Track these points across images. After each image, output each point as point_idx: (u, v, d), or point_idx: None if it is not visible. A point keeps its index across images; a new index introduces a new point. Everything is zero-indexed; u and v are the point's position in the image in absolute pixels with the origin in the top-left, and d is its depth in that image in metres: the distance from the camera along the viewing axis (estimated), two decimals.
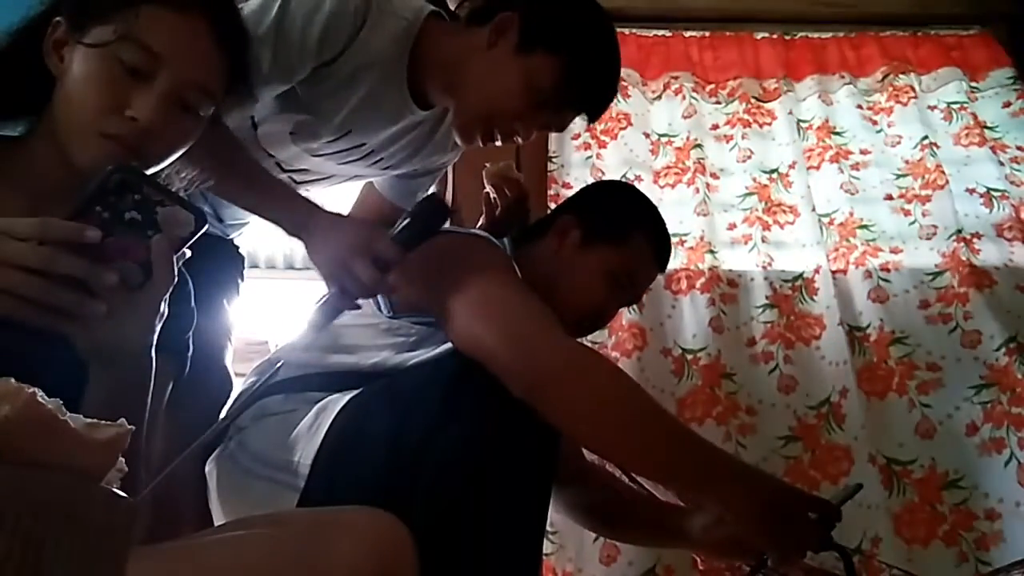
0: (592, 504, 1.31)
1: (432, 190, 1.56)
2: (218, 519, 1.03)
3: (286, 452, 0.96)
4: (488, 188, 1.42)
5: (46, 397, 0.44)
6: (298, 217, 1.04)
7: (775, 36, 2.19)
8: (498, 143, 1.21)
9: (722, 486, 0.96)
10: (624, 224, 1.25)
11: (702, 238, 1.83)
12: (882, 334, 1.68)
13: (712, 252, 1.81)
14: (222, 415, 1.08)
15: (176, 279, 0.71)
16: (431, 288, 1.05)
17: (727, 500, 0.96)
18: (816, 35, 2.20)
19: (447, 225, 1.06)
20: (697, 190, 1.90)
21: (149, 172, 0.79)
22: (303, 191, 1.34)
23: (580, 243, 1.22)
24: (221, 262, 1.17)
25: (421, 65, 1.18)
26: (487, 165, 1.45)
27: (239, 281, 1.32)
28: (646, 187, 1.92)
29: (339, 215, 1.08)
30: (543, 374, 0.91)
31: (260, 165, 1.12)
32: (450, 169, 1.71)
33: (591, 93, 1.20)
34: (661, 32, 2.20)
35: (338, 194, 1.46)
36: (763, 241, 1.84)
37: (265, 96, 1.10)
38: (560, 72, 1.13)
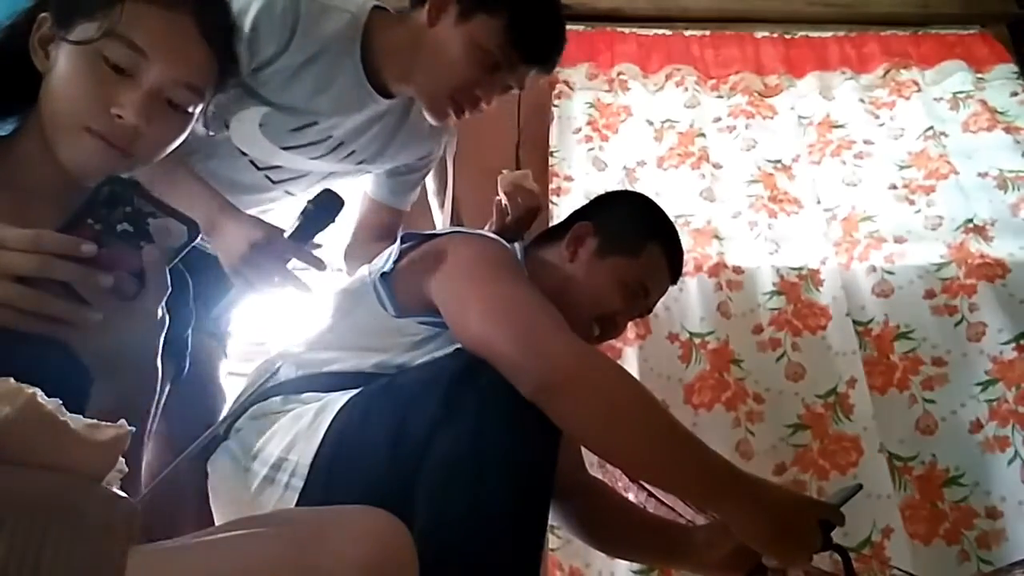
0: (591, 518, 1.30)
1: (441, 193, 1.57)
2: (218, 519, 1.03)
3: (285, 451, 0.96)
4: (501, 195, 1.42)
5: (46, 398, 0.44)
6: (208, 214, 1.09)
7: (775, 35, 2.19)
8: (467, 115, 1.27)
9: (729, 499, 0.95)
10: (640, 236, 1.25)
11: (708, 223, 1.82)
12: (886, 329, 1.68)
13: (718, 238, 1.80)
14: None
15: (170, 288, 0.71)
16: (440, 288, 1.05)
17: (734, 513, 0.96)
18: (816, 34, 2.20)
19: (340, 216, 1.12)
20: (703, 176, 1.90)
21: (137, 171, 0.79)
22: (281, 191, 1.36)
23: (596, 252, 1.22)
24: (210, 276, 1.17)
25: (374, 57, 1.24)
26: (503, 172, 1.45)
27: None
28: (650, 172, 1.92)
29: (246, 215, 1.13)
30: (555, 376, 0.91)
31: (182, 162, 1.14)
32: (450, 170, 1.71)
33: (538, 44, 1.24)
34: (661, 32, 2.20)
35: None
36: (769, 228, 1.83)
37: None
38: (503, 31, 1.18)
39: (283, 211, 1.39)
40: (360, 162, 1.39)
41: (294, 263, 1.08)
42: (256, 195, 1.35)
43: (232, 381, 1.33)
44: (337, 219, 1.11)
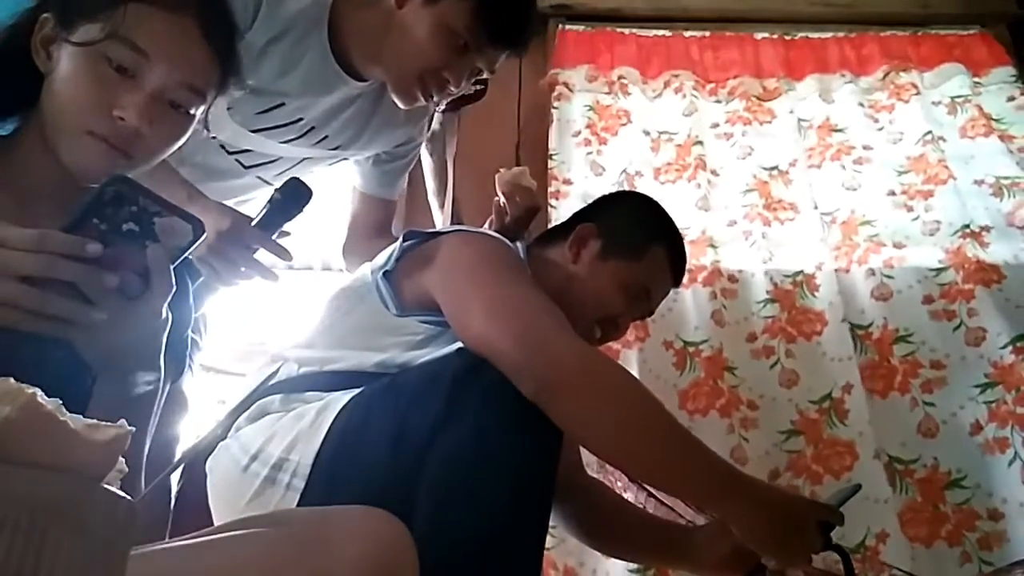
0: (589, 519, 1.30)
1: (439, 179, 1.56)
2: (217, 519, 1.02)
3: (286, 451, 0.95)
4: (499, 195, 1.42)
5: (46, 397, 0.44)
6: (176, 202, 1.06)
7: (775, 36, 2.19)
8: (436, 98, 1.26)
9: (730, 500, 0.95)
10: (644, 238, 1.25)
11: (704, 232, 1.83)
12: (885, 332, 1.68)
13: (713, 247, 1.81)
14: (178, 432, 1.07)
15: (175, 288, 0.71)
16: (443, 286, 1.05)
17: (734, 513, 0.96)
18: (816, 35, 2.20)
19: (308, 206, 1.10)
20: (698, 186, 1.90)
21: (137, 172, 0.78)
22: (253, 176, 1.36)
23: (599, 254, 1.22)
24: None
25: (342, 37, 1.24)
26: (501, 170, 1.44)
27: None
28: (646, 183, 1.92)
29: (214, 203, 1.11)
30: (557, 376, 0.90)
31: None
32: (450, 170, 1.71)
33: (507, 26, 1.23)
34: (661, 32, 2.20)
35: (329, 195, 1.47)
36: (763, 237, 1.83)
37: None
38: (471, 12, 1.18)
39: (260, 202, 1.39)
40: (335, 148, 1.38)
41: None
42: (228, 181, 1.35)
43: (231, 381, 1.33)
44: (306, 209, 1.10)
